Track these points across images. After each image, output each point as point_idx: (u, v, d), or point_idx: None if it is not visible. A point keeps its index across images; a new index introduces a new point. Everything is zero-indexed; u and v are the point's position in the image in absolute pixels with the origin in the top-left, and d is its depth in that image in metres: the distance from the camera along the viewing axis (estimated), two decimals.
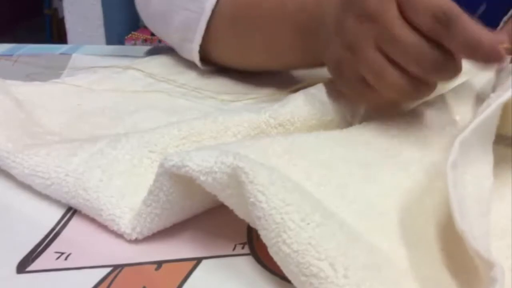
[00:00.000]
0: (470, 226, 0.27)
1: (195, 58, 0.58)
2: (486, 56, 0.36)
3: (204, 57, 0.59)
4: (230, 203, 0.31)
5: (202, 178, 0.30)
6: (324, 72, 0.47)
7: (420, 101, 0.43)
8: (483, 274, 0.26)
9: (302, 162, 0.34)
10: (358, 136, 0.39)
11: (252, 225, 0.31)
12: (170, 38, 0.61)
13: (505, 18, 0.53)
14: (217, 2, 0.54)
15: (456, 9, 0.37)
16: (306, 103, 0.43)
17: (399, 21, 0.38)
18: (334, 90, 0.45)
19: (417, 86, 0.39)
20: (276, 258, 0.29)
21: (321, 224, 0.28)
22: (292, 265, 0.27)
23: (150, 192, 0.33)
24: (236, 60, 0.57)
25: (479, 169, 0.31)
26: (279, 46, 0.52)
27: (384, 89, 0.40)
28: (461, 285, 0.28)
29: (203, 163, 0.30)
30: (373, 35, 0.39)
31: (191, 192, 0.33)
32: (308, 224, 0.28)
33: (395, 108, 0.41)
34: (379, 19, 0.39)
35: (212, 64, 0.60)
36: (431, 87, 0.40)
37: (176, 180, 0.32)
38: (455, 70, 0.38)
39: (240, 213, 0.32)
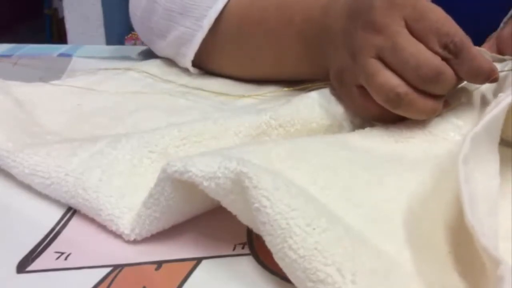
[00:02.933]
0: (479, 222, 0.27)
1: (189, 68, 0.59)
2: (486, 81, 0.39)
3: (199, 67, 0.59)
4: (233, 208, 0.31)
5: (205, 183, 0.30)
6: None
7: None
8: (490, 273, 0.25)
9: (306, 166, 0.34)
10: (362, 141, 0.38)
11: (255, 231, 0.31)
12: (165, 51, 0.61)
13: (505, 19, 0.53)
14: (216, 20, 0.54)
15: (465, 39, 0.38)
16: (307, 106, 0.43)
17: (404, 33, 0.39)
18: (335, 95, 0.45)
19: (409, 91, 0.38)
20: (281, 264, 0.28)
21: (327, 229, 0.27)
22: (298, 271, 0.27)
23: (151, 195, 0.33)
24: (241, 73, 0.57)
25: (487, 167, 0.31)
26: (287, 58, 0.52)
27: (374, 90, 0.39)
28: (470, 287, 0.28)
29: (206, 169, 0.30)
30: (375, 45, 0.39)
31: (192, 197, 0.33)
32: (314, 229, 0.27)
33: (392, 121, 0.41)
34: (384, 31, 0.39)
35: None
36: (426, 99, 0.39)
37: (178, 185, 0.32)
38: (453, 80, 0.39)
39: (243, 218, 0.31)
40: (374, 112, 0.41)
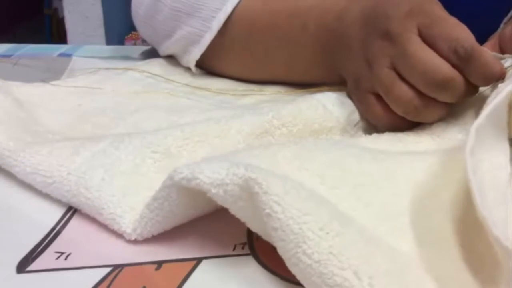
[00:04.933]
0: (489, 212, 0.26)
1: (191, 67, 0.59)
2: (496, 81, 0.38)
3: (200, 67, 0.59)
4: (242, 215, 0.31)
5: (214, 190, 0.30)
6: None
7: None
8: (503, 264, 0.25)
9: (314, 165, 0.34)
10: (369, 143, 0.38)
11: (264, 237, 0.31)
12: (170, 50, 0.61)
13: (505, 20, 0.53)
14: (225, 22, 0.54)
15: (475, 45, 0.38)
16: (310, 107, 0.44)
17: (416, 39, 0.39)
18: (340, 99, 0.45)
19: (425, 102, 0.39)
20: (294, 270, 0.28)
21: (340, 233, 0.27)
22: (314, 276, 0.27)
23: (155, 199, 0.33)
24: (248, 75, 0.57)
25: (495, 158, 0.30)
26: (298, 63, 0.52)
27: (393, 103, 0.40)
28: (484, 281, 0.28)
29: (214, 175, 0.30)
30: (389, 54, 0.40)
31: (197, 202, 0.33)
32: (328, 233, 0.27)
33: (405, 130, 0.41)
34: (397, 39, 0.40)
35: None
36: (440, 106, 0.39)
37: (183, 192, 0.32)
38: (463, 87, 0.38)
39: (252, 225, 0.31)
40: (388, 119, 0.42)
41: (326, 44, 0.49)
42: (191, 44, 0.57)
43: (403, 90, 0.39)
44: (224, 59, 0.57)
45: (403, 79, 0.39)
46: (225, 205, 0.31)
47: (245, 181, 0.29)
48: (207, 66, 0.59)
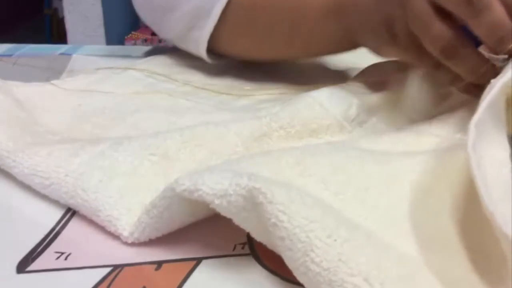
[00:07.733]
0: (496, 208, 0.26)
1: (202, 47, 0.55)
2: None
3: (209, 50, 0.56)
4: (245, 226, 0.31)
5: (217, 201, 0.30)
6: (333, 74, 0.46)
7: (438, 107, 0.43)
8: (509, 261, 0.25)
9: (317, 171, 0.33)
10: (369, 144, 0.38)
11: (270, 247, 0.31)
12: (173, 29, 0.58)
13: None
14: None
15: None
16: (307, 106, 0.43)
17: None
18: (335, 94, 0.45)
19: (462, 44, 0.38)
20: (303, 279, 0.28)
21: (348, 239, 0.27)
22: (323, 284, 0.26)
23: (154, 206, 0.32)
24: (255, 52, 0.55)
25: (496, 154, 0.30)
26: (308, 33, 0.51)
27: (429, 44, 0.39)
28: (493, 282, 0.27)
29: (217, 186, 0.30)
30: None
31: (197, 211, 0.33)
32: (335, 240, 0.27)
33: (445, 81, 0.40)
34: None
35: (217, 56, 0.57)
36: (476, 55, 0.38)
37: (185, 202, 0.32)
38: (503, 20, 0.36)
39: (257, 235, 0.31)
40: (426, 60, 0.40)
41: (336, 7, 0.48)
42: (202, 18, 0.54)
43: (441, 28, 0.38)
44: (229, 36, 0.55)
45: (440, 13, 0.38)
46: (228, 216, 0.30)
47: (248, 191, 0.29)
48: (212, 46, 0.56)
